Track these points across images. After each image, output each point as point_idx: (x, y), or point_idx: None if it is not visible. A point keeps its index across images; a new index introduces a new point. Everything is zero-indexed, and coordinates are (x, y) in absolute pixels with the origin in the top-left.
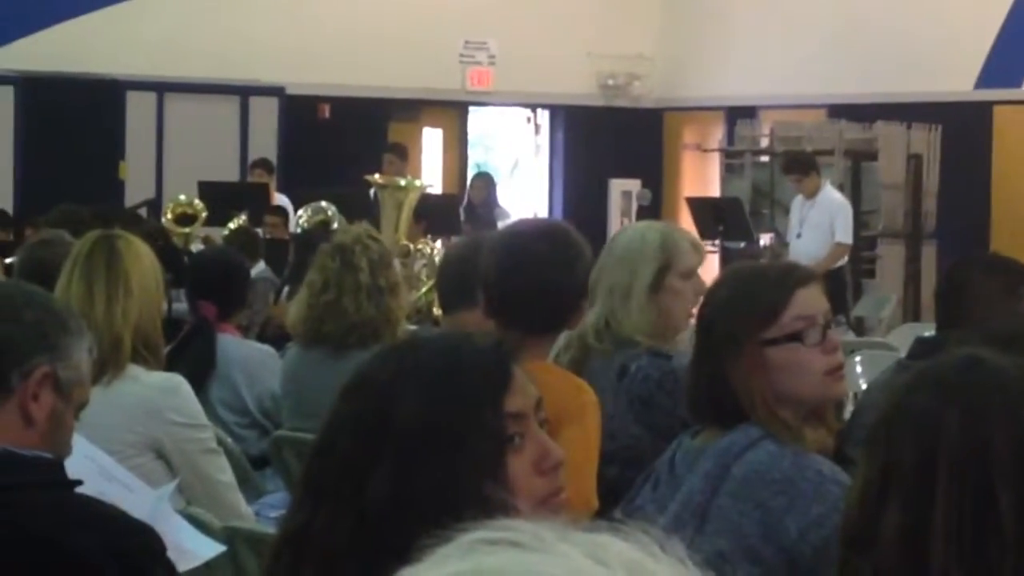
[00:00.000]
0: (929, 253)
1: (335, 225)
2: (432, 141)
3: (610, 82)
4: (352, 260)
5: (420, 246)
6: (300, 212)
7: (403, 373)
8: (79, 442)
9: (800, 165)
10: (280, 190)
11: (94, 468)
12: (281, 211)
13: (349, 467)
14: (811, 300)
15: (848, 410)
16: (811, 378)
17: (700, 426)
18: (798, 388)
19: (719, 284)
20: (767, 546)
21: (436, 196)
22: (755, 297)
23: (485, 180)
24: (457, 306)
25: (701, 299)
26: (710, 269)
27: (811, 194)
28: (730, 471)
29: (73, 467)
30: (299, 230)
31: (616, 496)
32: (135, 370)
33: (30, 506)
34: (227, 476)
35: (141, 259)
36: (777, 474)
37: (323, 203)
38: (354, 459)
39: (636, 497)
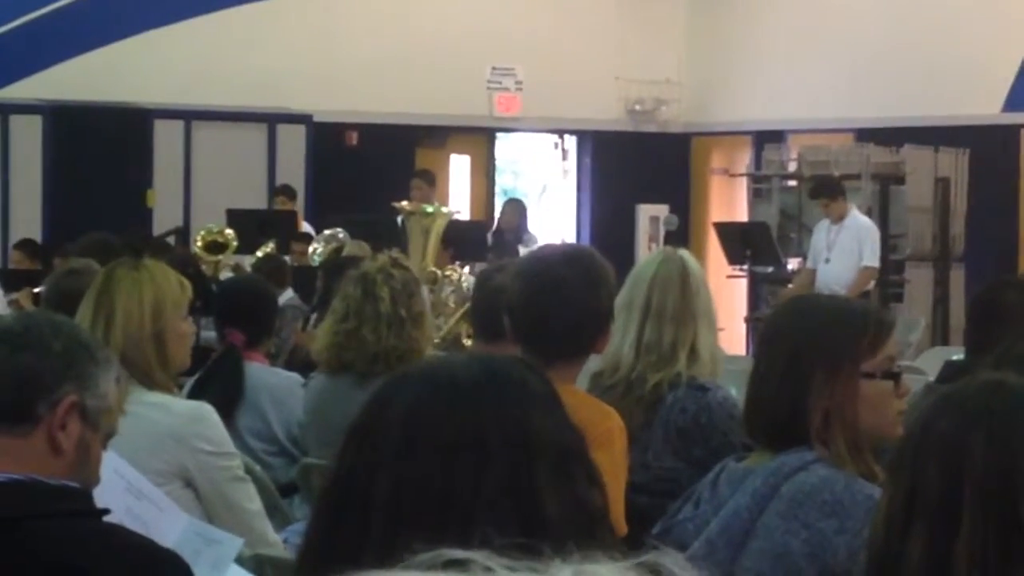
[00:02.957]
0: (957, 276)
1: (347, 249)
2: (460, 167)
3: (637, 107)
4: (373, 290)
5: (448, 273)
6: (314, 245)
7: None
8: (109, 456)
9: (828, 190)
10: (308, 217)
11: (122, 484)
12: (308, 238)
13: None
14: (895, 345)
15: None
16: (887, 416)
17: (749, 449)
18: (873, 423)
19: (802, 311)
20: (812, 567)
21: (464, 222)
22: (862, 328)
23: (516, 206)
24: (496, 336)
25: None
26: (738, 294)
27: (838, 219)
28: (779, 490)
29: (101, 480)
30: (316, 259)
31: (646, 525)
32: (163, 398)
33: (57, 535)
34: (255, 504)
35: (140, 285)
36: (828, 496)
37: (337, 230)
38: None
39: (676, 515)
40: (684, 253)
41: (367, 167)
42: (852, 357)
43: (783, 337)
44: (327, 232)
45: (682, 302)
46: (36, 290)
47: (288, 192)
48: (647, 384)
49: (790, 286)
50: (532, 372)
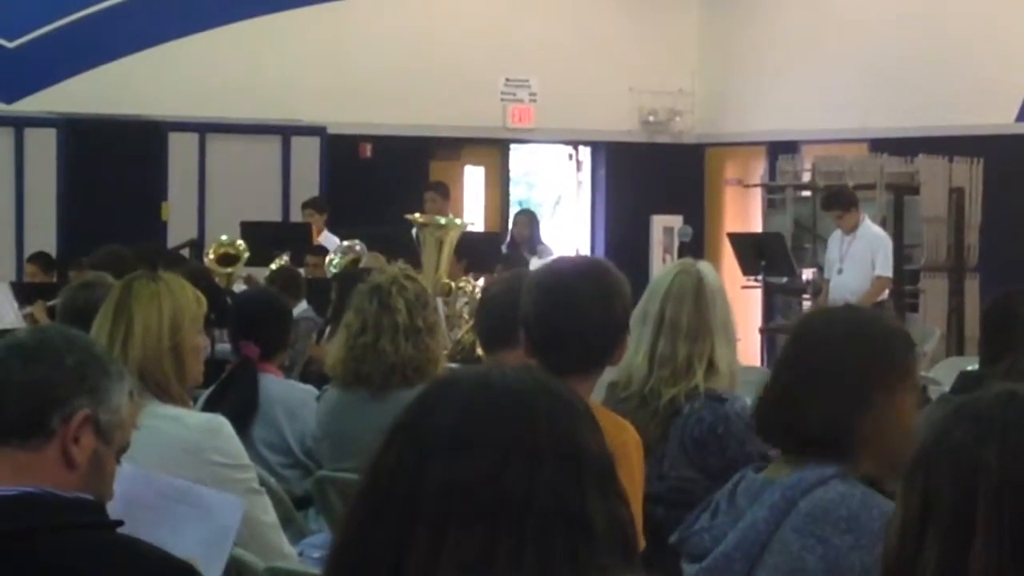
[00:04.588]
0: (972, 287)
1: (364, 260)
2: (474, 179)
3: (651, 118)
4: (389, 301)
5: (462, 284)
6: (330, 256)
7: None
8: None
9: (841, 201)
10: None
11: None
12: (323, 251)
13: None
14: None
15: None
16: (909, 436)
17: (767, 459)
18: (901, 443)
19: (853, 324)
20: None
21: (478, 234)
22: (898, 350)
23: (528, 217)
24: (497, 345)
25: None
26: (753, 304)
27: (851, 229)
28: (796, 505)
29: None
30: (332, 271)
31: (662, 536)
32: (178, 411)
33: (71, 547)
34: (270, 517)
35: (158, 298)
36: (844, 512)
37: (355, 242)
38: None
39: (693, 524)
40: (703, 265)
41: (381, 179)
42: (910, 375)
43: (831, 347)
44: (344, 244)
45: (696, 315)
46: (50, 303)
47: (316, 205)
48: (662, 398)
49: (805, 296)
50: (573, 391)
